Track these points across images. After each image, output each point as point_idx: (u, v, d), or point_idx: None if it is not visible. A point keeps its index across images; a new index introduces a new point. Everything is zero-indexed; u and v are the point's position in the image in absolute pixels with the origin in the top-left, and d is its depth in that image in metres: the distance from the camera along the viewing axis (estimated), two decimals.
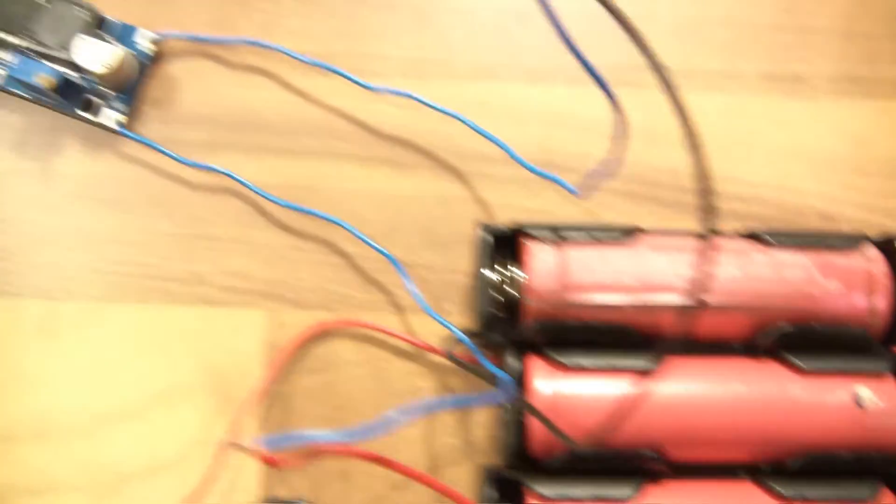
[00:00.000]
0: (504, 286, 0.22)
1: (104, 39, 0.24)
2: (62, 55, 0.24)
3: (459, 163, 0.25)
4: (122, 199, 0.25)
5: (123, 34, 0.25)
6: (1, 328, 0.24)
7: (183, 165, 0.24)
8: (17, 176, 0.25)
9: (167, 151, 0.24)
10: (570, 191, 0.23)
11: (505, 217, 0.24)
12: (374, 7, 0.26)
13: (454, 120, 0.24)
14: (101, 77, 0.24)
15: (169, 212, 0.24)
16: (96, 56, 0.23)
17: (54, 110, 0.25)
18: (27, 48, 0.24)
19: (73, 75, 0.24)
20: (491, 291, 0.22)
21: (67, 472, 0.23)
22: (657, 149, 0.25)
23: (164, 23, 0.25)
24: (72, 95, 0.24)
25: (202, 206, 0.24)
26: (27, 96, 0.24)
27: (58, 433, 0.23)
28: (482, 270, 0.22)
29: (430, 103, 0.24)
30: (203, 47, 0.25)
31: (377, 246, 0.23)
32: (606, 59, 0.19)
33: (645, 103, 0.21)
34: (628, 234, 0.22)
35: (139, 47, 0.25)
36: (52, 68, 0.24)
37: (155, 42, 0.25)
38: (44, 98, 0.24)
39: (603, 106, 0.20)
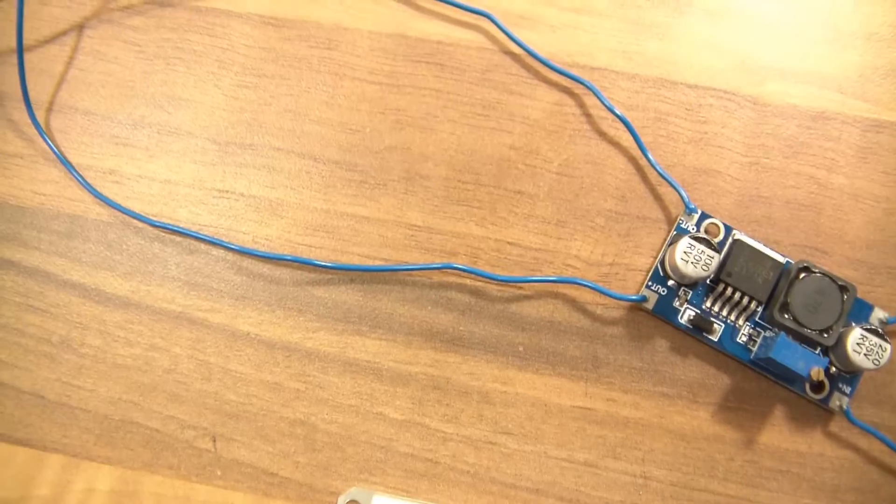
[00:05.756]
0: None
1: (879, 334, 0.22)
2: (822, 339, 0.22)
3: None
4: (828, 482, 0.23)
5: (858, 311, 0.23)
6: None
7: None
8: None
9: (890, 442, 0.22)
10: None
11: None
12: None
13: None
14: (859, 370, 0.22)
15: None
16: (874, 355, 0.22)
17: (770, 380, 0.23)
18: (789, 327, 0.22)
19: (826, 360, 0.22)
20: None
21: None
22: None
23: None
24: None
25: None
26: (753, 366, 0.23)
27: None
28: None
29: None
30: None
31: None
32: None
33: None
34: None
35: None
36: (819, 357, 0.22)
37: (884, 324, 0.23)
38: (774, 372, 0.23)
39: None
